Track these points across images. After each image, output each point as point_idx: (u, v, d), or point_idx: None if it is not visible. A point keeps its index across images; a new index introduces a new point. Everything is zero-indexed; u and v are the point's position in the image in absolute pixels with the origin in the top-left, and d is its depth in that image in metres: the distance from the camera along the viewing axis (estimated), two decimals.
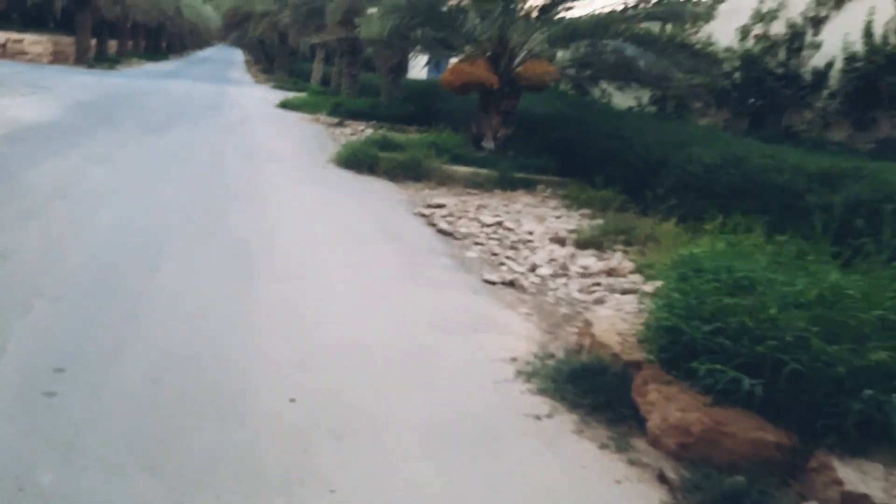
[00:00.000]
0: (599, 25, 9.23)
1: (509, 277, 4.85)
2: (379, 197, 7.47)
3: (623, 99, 13.49)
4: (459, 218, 6.68)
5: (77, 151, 7.62)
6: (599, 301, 4.60)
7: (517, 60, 9.73)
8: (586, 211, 7.64)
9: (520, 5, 9.57)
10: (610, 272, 5.30)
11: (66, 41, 22.52)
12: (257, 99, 17.88)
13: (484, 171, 8.91)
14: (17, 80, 14.37)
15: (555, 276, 5.15)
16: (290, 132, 12.01)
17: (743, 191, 6.42)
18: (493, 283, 4.75)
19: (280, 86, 23.26)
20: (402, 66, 15.52)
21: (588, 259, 5.66)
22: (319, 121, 13.99)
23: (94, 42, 24.32)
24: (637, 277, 5.23)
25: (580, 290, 4.85)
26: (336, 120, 13.76)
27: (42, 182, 5.92)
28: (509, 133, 9.86)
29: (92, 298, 3.58)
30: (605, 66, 9.97)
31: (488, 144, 9.77)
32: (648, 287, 4.64)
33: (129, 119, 11.16)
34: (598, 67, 10.14)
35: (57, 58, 21.62)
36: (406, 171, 8.61)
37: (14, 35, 20.59)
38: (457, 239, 5.98)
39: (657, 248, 5.97)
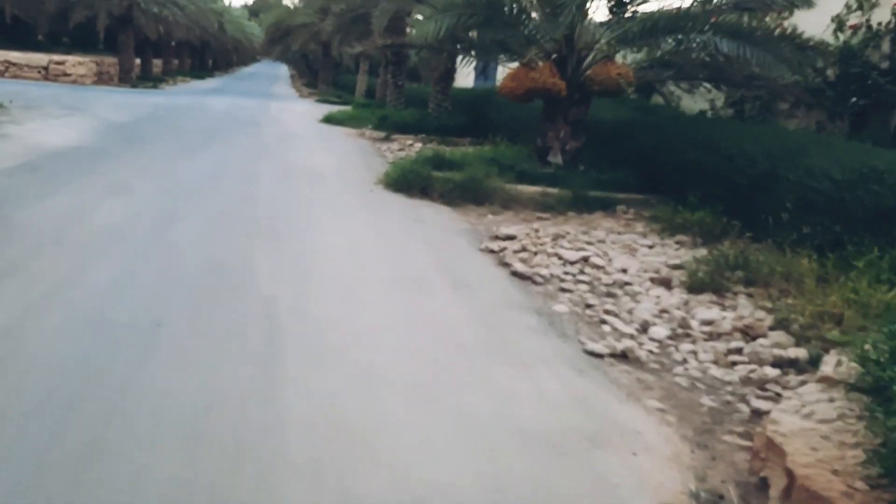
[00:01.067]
0: (685, 19, 7.93)
1: (619, 346, 3.63)
2: (436, 227, 6.33)
3: (692, 102, 12.14)
4: (536, 253, 5.48)
5: (93, 181, 6.71)
6: (748, 381, 3.35)
7: (586, 63, 8.53)
8: (682, 237, 6.37)
9: (592, 2, 8.38)
10: (745, 330, 4.04)
11: (110, 61, 22.25)
12: (300, 114, 17.06)
13: (554, 190, 7.70)
14: (53, 102, 13.79)
15: (675, 337, 3.91)
16: (333, 150, 11.01)
17: (894, 213, 5.12)
18: (600, 356, 3.54)
19: (324, 99, 22.66)
20: (450, 74, 14.40)
21: (709, 310, 4.39)
22: (365, 135, 13.03)
23: (137, 61, 24.05)
24: (782, 337, 3.96)
25: (716, 363, 3.60)
26: (382, 134, 12.77)
27: (40, 223, 4.96)
28: (579, 145, 8.65)
29: (53, 412, 2.49)
30: (692, 65, 8.65)
31: (555, 159, 8.58)
32: (823, 361, 3.37)
33: (161, 140, 10.33)
34: (681, 66, 8.82)
35: (101, 78, 21.34)
36: (465, 194, 7.46)
37: (56, 57, 20.29)
38: (537, 284, 4.78)
39: (795, 290, 4.68)
